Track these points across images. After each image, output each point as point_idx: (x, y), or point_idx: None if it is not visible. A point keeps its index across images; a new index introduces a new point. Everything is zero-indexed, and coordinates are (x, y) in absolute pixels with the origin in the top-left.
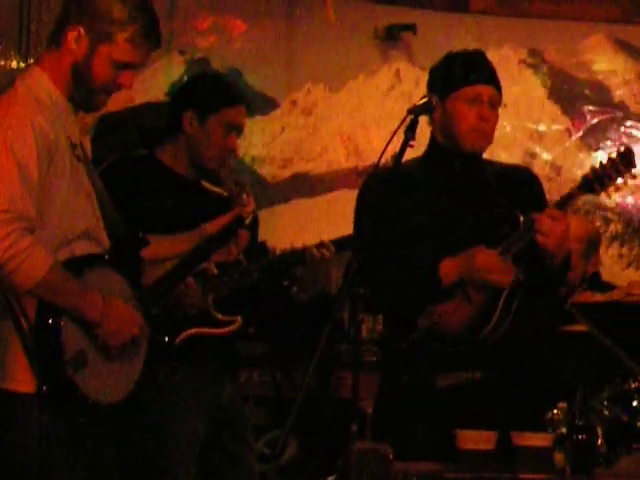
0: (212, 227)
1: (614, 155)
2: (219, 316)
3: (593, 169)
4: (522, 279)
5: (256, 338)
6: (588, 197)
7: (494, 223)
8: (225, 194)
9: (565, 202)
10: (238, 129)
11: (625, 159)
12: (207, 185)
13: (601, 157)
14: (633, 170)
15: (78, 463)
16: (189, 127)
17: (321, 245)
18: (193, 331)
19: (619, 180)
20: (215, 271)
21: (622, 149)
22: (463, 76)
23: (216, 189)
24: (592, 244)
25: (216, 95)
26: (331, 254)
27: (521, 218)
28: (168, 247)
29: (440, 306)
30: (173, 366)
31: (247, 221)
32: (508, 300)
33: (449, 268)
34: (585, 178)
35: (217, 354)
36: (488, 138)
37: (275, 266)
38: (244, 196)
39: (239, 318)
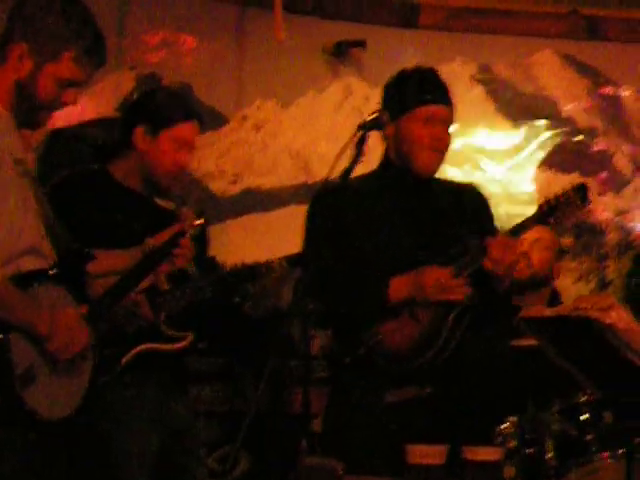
0: (155, 241)
1: (569, 188)
2: (170, 332)
3: (548, 202)
4: (468, 303)
5: (208, 353)
6: None
7: (444, 244)
8: (173, 209)
9: (518, 231)
10: (190, 145)
11: (579, 193)
12: (158, 201)
13: (550, 173)
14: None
15: (31, 477)
16: (141, 142)
17: (272, 262)
18: (144, 347)
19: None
20: (166, 286)
21: (577, 184)
22: (417, 96)
23: (166, 205)
24: (559, 252)
25: (168, 110)
26: (282, 271)
27: (473, 242)
28: (113, 262)
29: (386, 324)
30: (124, 382)
31: (188, 234)
32: (455, 321)
33: (399, 286)
34: (540, 209)
35: (167, 369)
36: (441, 160)
37: (226, 282)
38: (184, 210)
39: (190, 334)
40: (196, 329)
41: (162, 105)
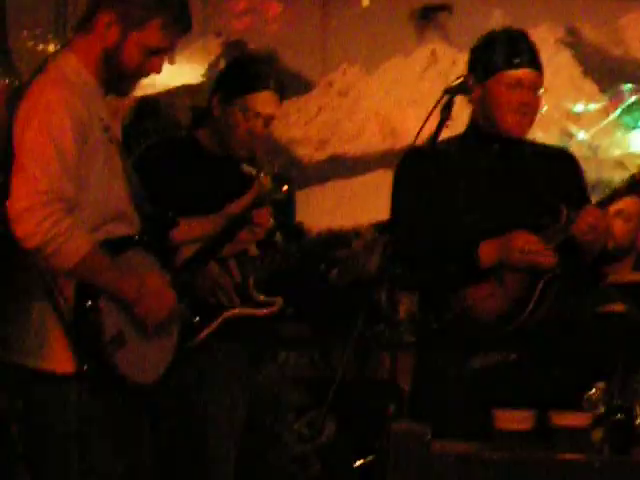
0: (235, 207)
1: None
2: (260, 297)
3: None
4: (558, 271)
5: (294, 319)
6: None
7: (535, 210)
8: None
9: (609, 201)
10: (264, 116)
11: None
12: (245, 166)
13: (639, 136)
14: None
15: (115, 442)
16: (216, 110)
17: (360, 229)
18: (235, 312)
19: None
20: (255, 252)
21: None
22: (505, 60)
23: (249, 169)
24: None
25: (240, 80)
26: (370, 238)
27: (564, 212)
28: (195, 228)
29: (474, 291)
30: (214, 347)
31: (266, 202)
32: (544, 290)
33: (488, 250)
34: (632, 179)
35: (257, 335)
36: (529, 123)
37: (317, 248)
38: (261, 176)
39: (279, 299)
40: (284, 295)
41: (235, 75)
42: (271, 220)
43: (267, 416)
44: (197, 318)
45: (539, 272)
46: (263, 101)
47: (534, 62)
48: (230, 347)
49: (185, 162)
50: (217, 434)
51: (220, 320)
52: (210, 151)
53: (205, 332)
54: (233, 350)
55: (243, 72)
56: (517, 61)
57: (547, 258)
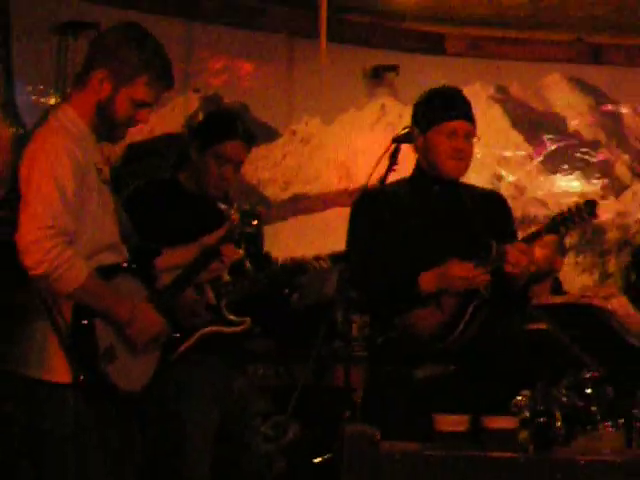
0: (210, 239)
1: (581, 203)
2: (232, 317)
3: (561, 213)
4: (487, 296)
5: (261, 336)
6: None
7: (471, 245)
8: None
9: (533, 238)
10: (234, 162)
11: (589, 208)
12: (219, 204)
13: (559, 179)
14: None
15: (108, 448)
16: (194, 156)
17: (319, 257)
18: (210, 329)
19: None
20: (228, 278)
21: (588, 199)
22: (443, 112)
23: (223, 207)
24: (562, 250)
25: (212, 131)
26: (328, 266)
27: (494, 246)
28: (177, 256)
29: (415, 312)
30: (191, 360)
31: (235, 235)
32: (473, 314)
33: (428, 280)
34: (553, 220)
35: (229, 350)
36: (465, 167)
37: (281, 275)
38: (232, 212)
39: (248, 319)
40: (252, 315)
41: (209, 126)
42: (239, 252)
43: (238, 423)
44: (177, 335)
45: (470, 297)
46: (232, 149)
47: (468, 114)
48: (206, 361)
49: (168, 200)
50: (194, 438)
51: (197, 336)
52: (189, 191)
53: (184, 346)
54: (209, 364)
55: (215, 124)
56: (453, 113)
57: (479, 281)
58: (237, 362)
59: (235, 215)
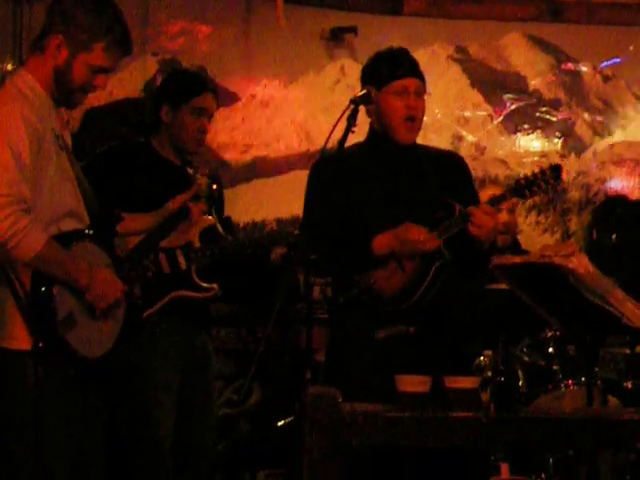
0: (175, 203)
1: (546, 168)
2: (201, 283)
3: (525, 177)
4: (450, 258)
5: (224, 300)
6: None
7: (427, 206)
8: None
9: (497, 201)
10: (208, 112)
11: (554, 173)
12: (189, 169)
13: (519, 138)
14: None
15: (70, 413)
16: (166, 118)
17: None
18: (181, 293)
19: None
20: (198, 244)
21: (554, 164)
22: (390, 73)
23: (190, 171)
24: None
25: (184, 87)
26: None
27: (457, 208)
28: (139, 223)
29: (376, 272)
30: (158, 321)
31: (202, 198)
32: (435, 274)
33: (382, 241)
34: (518, 184)
35: (195, 313)
36: (417, 129)
37: (248, 245)
38: (198, 176)
39: (215, 286)
40: (216, 279)
41: (179, 84)
42: (210, 219)
43: (199, 382)
44: (140, 301)
45: (433, 258)
46: (207, 101)
47: (415, 71)
48: (171, 320)
49: (142, 163)
50: (156, 395)
51: (167, 298)
52: (162, 156)
53: (156, 307)
54: (173, 323)
55: (186, 82)
56: (400, 72)
57: (433, 242)
58: (202, 325)
59: (202, 179)
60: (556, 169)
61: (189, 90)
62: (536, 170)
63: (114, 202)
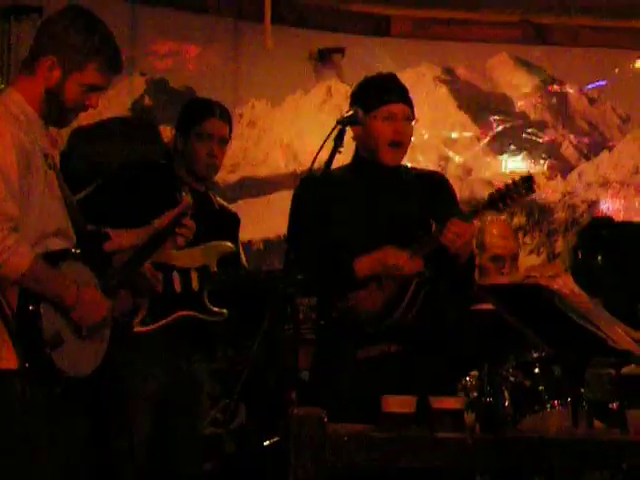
0: (160, 222)
1: (518, 179)
2: (210, 306)
3: (498, 190)
4: (429, 275)
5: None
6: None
7: (409, 227)
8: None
9: (471, 215)
10: (216, 138)
11: (526, 184)
12: (211, 194)
13: (505, 160)
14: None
15: (57, 432)
16: (180, 145)
17: None
18: (188, 313)
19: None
20: (215, 269)
21: (524, 175)
22: (378, 98)
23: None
24: None
25: (192, 114)
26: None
27: (433, 225)
28: (124, 239)
29: (357, 293)
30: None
31: (188, 215)
32: (415, 292)
33: (363, 265)
34: (491, 197)
35: (194, 335)
36: (403, 153)
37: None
38: (184, 195)
39: (225, 312)
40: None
41: (188, 112)
42: (230, 244)
43: (182, 402)
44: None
45: (412, 276)
46: (211, 126)
47: (404, 97)
48: (167, 337)
49: (162, 184)
50: (134, 408)
51: (173, 317)
52: (182, 179)
53: (160, 323)
54: (168, 342)
55: (192, 109)
56: (390, 97)
57: (410, 266)
58: (199, 347)
59: (187, 197)
60: (528, 180)
61: (195, 116)
62: (508, 182)
63: (130, 219)
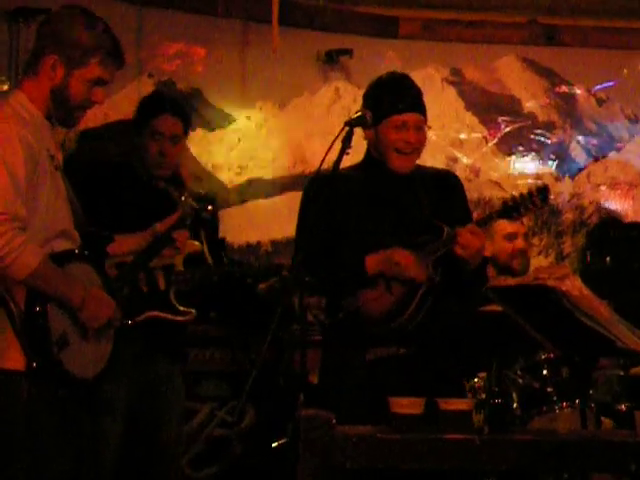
0: (162, 226)
1: (533, 189)
2: (178, 306)
3: (513, 198)
4: (438, 280)
5: (217, 322)
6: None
7: (418, 230)
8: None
9: (484, 222)
10: (168, 136)
11: (541, 195)
12: (171, 190)
13: (514, 161)
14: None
15: (63, 433)
16: (136, 140)
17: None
18: (155, 314)
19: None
20: (181, 268)
21: (541, 185)
22: (391, 106)
23: (174, 194)
24: None
25: (144, 110)
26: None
27: (445, 230)
28: (128, 243)
29: (364, 294)
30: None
31: (187, 221)
32: (423, 296)
33: (372, 262)
34: (505, 205)
35: (163, 339)
36: (414, 161)
37: (232, 274)
38: (183, 199)
39: (194, 311)
40: (210, 302)
41: (140, 107)
42: (196, 244)
43: (153, 407)
44: (130, 321)
45: (420, 282)
46: (163, 123)
47: (417, 105)
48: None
49: (121, 183)
50: (105, 416)
51: (143, 317)
52: (141, 176)
53: (130, 323)
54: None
55: (145, 105)
56: (401, 106)
57: (416, 272)
58: (169, 351)
59: (186, 201)
60: (543, 191)
61: (146, 113)
62: (524, 191)
63: (100, 219)
